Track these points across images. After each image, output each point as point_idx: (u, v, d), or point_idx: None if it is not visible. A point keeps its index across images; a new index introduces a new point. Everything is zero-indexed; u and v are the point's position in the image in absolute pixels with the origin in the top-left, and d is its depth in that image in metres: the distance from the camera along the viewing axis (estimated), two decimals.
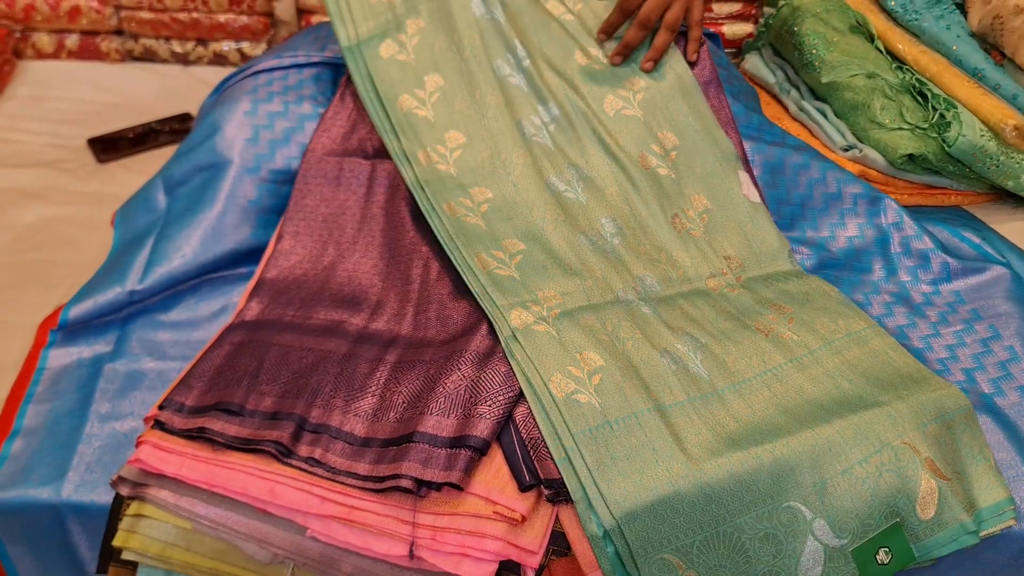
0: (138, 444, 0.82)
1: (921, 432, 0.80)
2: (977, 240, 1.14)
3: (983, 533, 0.78)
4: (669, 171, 1.06)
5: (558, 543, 0.78)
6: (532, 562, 0.75)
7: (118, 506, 0.83)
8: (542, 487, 0.77)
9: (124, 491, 0.81)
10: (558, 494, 0.76)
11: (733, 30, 1.68)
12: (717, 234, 1.04)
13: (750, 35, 1.68)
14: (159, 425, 0.83)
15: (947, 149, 1.21)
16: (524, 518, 0.75)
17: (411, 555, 0.75)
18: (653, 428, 0.79)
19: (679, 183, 1.06)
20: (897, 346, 0.91)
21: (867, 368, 0.88)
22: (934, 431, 0.80)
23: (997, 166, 1.22)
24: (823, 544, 0.74)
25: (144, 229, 1.10)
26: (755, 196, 1.06)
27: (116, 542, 0.80)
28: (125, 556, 0.80)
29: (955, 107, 1.23)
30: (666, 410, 0.81)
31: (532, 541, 0.75)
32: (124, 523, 0.81)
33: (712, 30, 1.32)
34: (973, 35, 1.31)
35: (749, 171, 1.10)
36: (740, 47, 1.68)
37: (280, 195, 1.10)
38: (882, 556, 0.75)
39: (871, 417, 0.80)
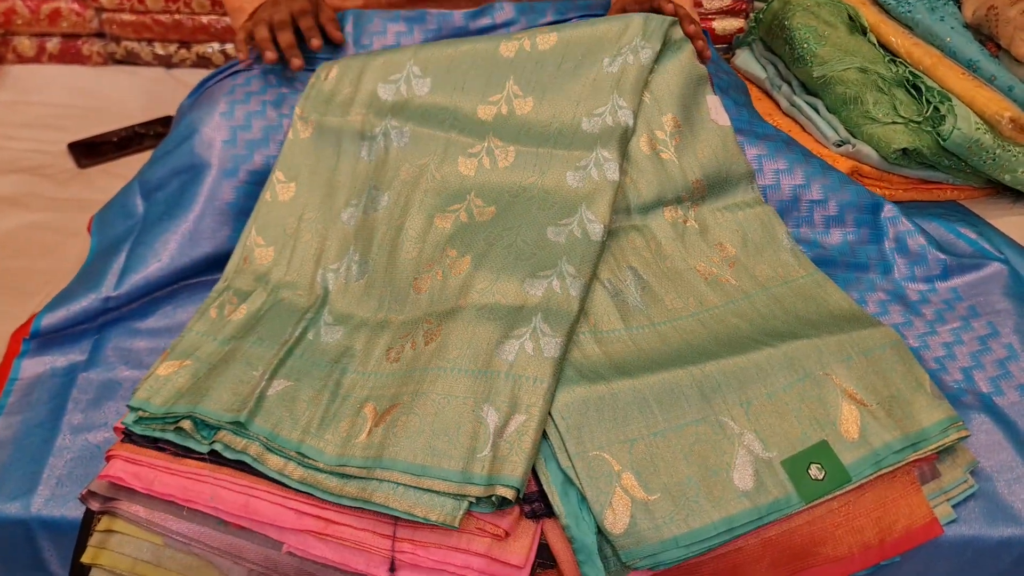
0: (108, 458, 0.79)
1: (845, 364, 0.83)
2: (973, 236, 1.11)
3: (932, 446, 0.79)
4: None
5: (543, 556, 0.75)
6: None
7: (89, 521, 0.80)
8: (521, 503, 0.75)
9: (94, 506, 0.79)
10: (535, 512, 0.75)
11: (723, 25, 1.66)
12: (686, 155, 1.04)
13: (740, 30, 1.66)
14: (129, 437, 0.80)
15: (942, 143, 1.19)
16: (507, 533, 0.73)
17: (392, 570, 0.73)
18: (590, 350, 0.85)
19: (658, 104, 1.06)
20: (836, 291, 0.95)
21: (799, 310, 0.93)
22: (860, 364, 0.84)
23: (993, 159, 1.20)
24: (753, 455, 0.77)
25: (121, 235, 1.08)
26: (724, 120, 1.08)
27: (85, 559, 0.77)
28: (95, 573, 0.78)
29: (949, 100, 1.21)
30: (602, 335, 0.87)
31: (518, 556, 0.73)
32: (94, 539, 0.78)
33: (701, 27, 1.29)
34: (967, 27, 1.29)
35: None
36: (730, 42, 1.66)
37: (258, 196, 1.07)
38: (815, 472, 0.77)
39: (799, 347, 0.84)
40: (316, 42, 1.10)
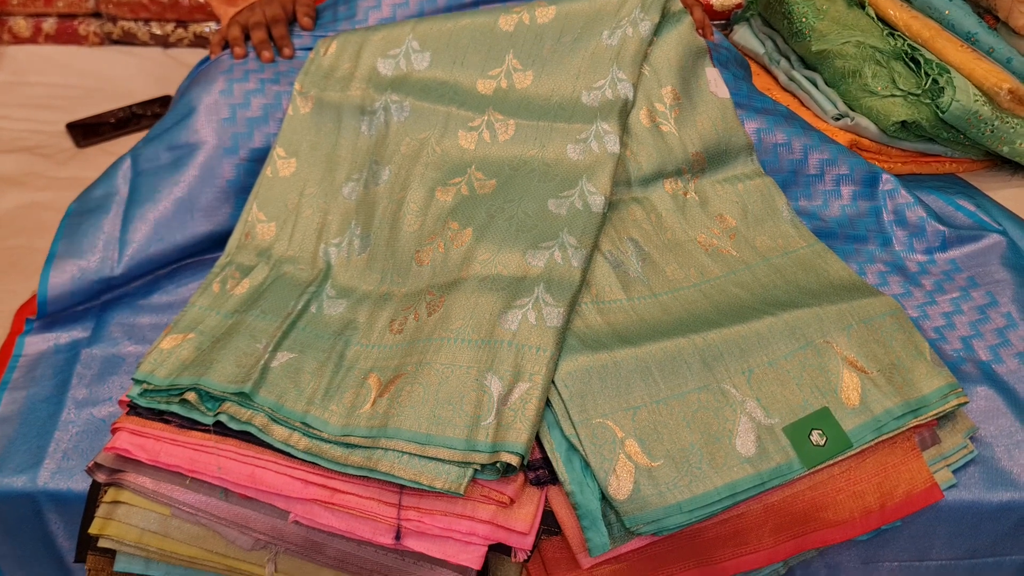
0: (114, 431, 0.80)
1: (845, 333, 0.84)
2: (972, 208, 1.12)
3: (932, 413, 0.80)
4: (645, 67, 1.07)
5: (547, 522, 0.76)
6: (524, 543, 0.74)
7: (95, 493, 0.81)
8: (526, 471, 0.76)
9: (101, 478, 0.79)
10: (539, 479, 0.75)
11: (722, 1, 1.65)
12: (686, 128, 1.04)
13: (739, 5, 1.65)
14: (134, 410, 0.81)
15: (941, 115, 1.19)
16: (512, 500, 0.73)
17: (398, 538, 0.73)
18: (592, 319, 0.86)
19: (657, 76, 1.06)
20: (836, 261, 0.96)
21: (800, 280, 0.93)
22: (859, 332, 0.84)
23: (992, 131, 1.20)
24: (755, 422, 0.78)
25: (100, 199, 1.06)
26: (723, 92, 1.08)
27: (92, 530, 0.78)
28: (102, 544, 0.78)
29: (948, 72, 1.20)
30: (604, 305, 0.88)
31: (523, 522, 0.73)
32: (101, 510, 0.78)
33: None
34: None
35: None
36: (729, 18, 1.65)
37: (259, 173, 1.07)
38: (816, 438, 0.78)
39: (800, 316, 0.85)
40: (288, 51, 1.17)
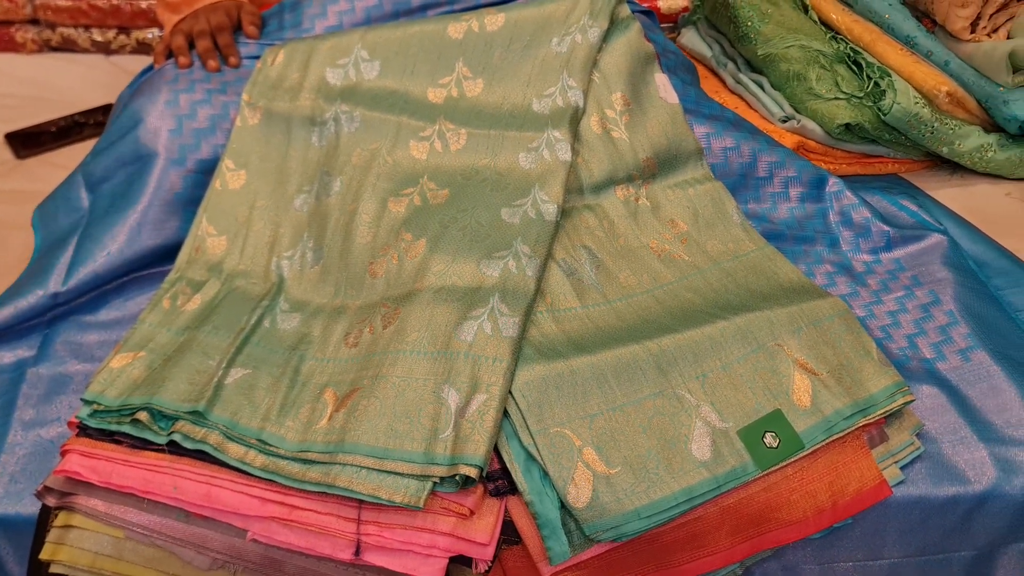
0: (63, 453, 0.78)
1: (796, 335, 0.85)
2: (914, 208, 1.15)
3: (880, 412, 0.81)
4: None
5: (507, 532, 0.76)
6: (485, 554, 0.74)
7: (45, 517, 0.79)
8: (485, 481, 0.76)
9: (51, 501, 0.77)
10: (498, 489, 0.75)
11: (669, 4, 1.67)
12: (637, 134, 1.05)
13: (685, 9, 1.67)
14: (84, 431, 0.79)
15: (883, 117, 1.22)
16: (472, 512, 0.73)
17: (357, 553, 0.73)
18: (547, 328, 0.86)
19: (607, 83, 1.06)
20: (785, 264, 0.97)
21: (751, 284, 0.95)
22: (810, 334, 0.85)
23: (932, 132, 1.23)
24: (710, 426, 0.79)
25: (67, 229, 1.05)
26: (673, 98, 1.09)
27: (43, 555, 0.76)
28: (54, 570, 0.77)
29: (889, 75, 1.23)
30: (559, 314, 0.88)
31: (483, 533, 0.73)
32: (52, 535, 0.77)
33: (647, 6, 1.30)
34: (904, 3, 1.31)
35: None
36: (676, 21, 1.67)
37: (207, 185, 1.06)
38: (770, 440, 0.79)
39: (751, 320, 0.86)
40: (234, 60, 1.15)
